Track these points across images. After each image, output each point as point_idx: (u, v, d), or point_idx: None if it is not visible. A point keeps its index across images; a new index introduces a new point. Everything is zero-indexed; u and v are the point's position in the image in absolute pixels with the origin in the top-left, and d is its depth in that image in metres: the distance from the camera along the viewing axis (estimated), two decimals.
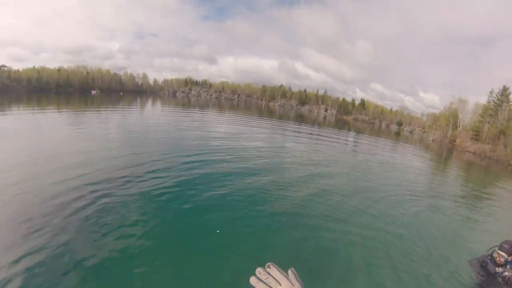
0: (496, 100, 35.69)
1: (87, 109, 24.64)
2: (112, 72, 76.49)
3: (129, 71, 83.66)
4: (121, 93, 63.73)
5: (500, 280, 4.19)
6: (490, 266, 4.34)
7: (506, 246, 4.23)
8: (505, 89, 34.91)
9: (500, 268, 4.24)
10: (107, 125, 16.05)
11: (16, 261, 3.67)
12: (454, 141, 39.05)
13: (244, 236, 5.08)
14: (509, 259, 4.18)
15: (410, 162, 18.19)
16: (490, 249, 4.58)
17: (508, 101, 34.23)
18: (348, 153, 17.57)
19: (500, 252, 4.23)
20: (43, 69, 61.93)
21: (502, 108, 34.18)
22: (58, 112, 21.57)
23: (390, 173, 12.48)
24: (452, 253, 5.29)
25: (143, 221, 5.03)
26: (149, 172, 7.47)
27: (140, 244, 4.35)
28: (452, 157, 27.82)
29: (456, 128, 42.17)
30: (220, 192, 6.86)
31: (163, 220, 5.22)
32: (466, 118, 42.39)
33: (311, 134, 24.98)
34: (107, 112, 23.95)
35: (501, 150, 29.36)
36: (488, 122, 35.10)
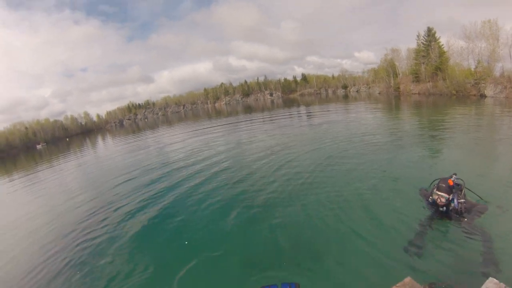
0: (424, 42, 38.68)
1: (38, 167, 22.71)
2: (51, 120, 71.23)
3: (69, 114, 78.08)
4: (67, 139, 59.24)
5: (452, 214, 4.19)
6: (435, 208, 4.36)
7: (444, 185, 4.13)
8: (429, 29, 37.98)
9: (444, 208, 4.21)
10: (63, 177, 15.19)
11: None
12: (398, 88, 42.07)
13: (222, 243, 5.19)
14: (450, 197, 4.13)
15: (365, 116, 19.42)
16: (432, 182, 4.80)
17: (435, 40, 37.22)
18: (305, 127, 18.24)
19: (439, 193, 4.15)
20: None
21: (432, 47, 36.96)
22: (9, 179, 19.64)
23: (350, 132, 13.29)
24: (409, 185, 5.83)
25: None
26: (121, 220, 7.11)
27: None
28: (401, 102, 30.05)
29: (396, 76, 45.33)
30: (192, 203, 7.08)
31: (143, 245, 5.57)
32: (403, 65, 45.57)
33: (264, 121, 25.54)
34: (60, 163, 22.30)
35: (442, 84, 32.20)
36: (423, 63, 38.11)
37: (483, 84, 25.79)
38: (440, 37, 37.11)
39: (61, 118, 73.91)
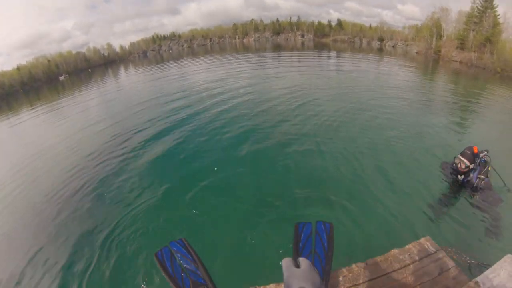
0: (480, 7, 34.11)
1: (61, 98, 23.53)
2: (74, 52, 70.89)
3: (91, 45, 76.38)
4: (90, 70, 59.78)
5: (468, 187, 4.16)
6: (454, 174, 4.30)
7: (468, 152, 4.03)
8: None
9: (462, 176, 4.14)
10: (87, 108, 15.65)
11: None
12: (439, 51, 38.35)
13: (246, 174, 5.44)
14: (471, 166, 4.02)
15: (398, 72, 18.40)
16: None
17: (492, 7, 32.83)
18: (333, 71, 17.67)
19: (461, 158, 4.05)
20: (2, 73, 57.10)
21: (487, 14, 32.81)
22: (33, 110, 20.62)
23: (379, 84, 12.80)
24: (430, 158, 5.74)
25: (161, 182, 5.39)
26: (144, 141, 7.74)
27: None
28: (438, 67, 27.94)
29: (440, 38, 41.07)
30: (220, 137, 7.23)
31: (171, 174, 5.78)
32: (450, 27, 40.94)
33: (292, 61, 24.86)
34: (82, 94, 22.88)
35: (488, 58, 28.95)
36: (473, 30, 34.08)
37: None
38: (498, 5, 32.51)
39: (83, 50, 73.49)
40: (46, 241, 4.36)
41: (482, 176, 4.04)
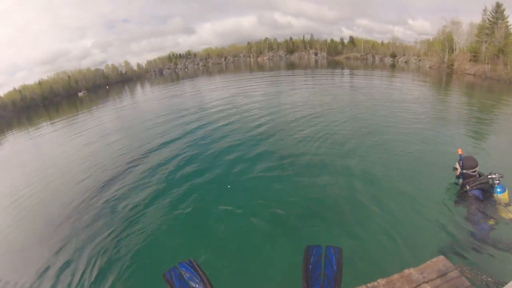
0: (491, 18, 33.77)
1: (79, 113, 24.49)
2: (93, 69, 74.21)
3: (109, 63, 79.87)
4: (107, 87, 62.13)
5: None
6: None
7: (463, 159, 4.25)
8: (498, 5, 32.84)
9: (458, 180, 4.36)
10: (103, 122, 16.20)
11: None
12: (452, 65, 37.74)
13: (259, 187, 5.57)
14: (459, 170, 4.27)
15: (411, 91, 18.32)
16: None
17: (503, 18, 32.49)
18: (347, 89, 17.62)
19: (458, 165, 4.30)
20: (24, 87, 60.32)
21: (498, 25, 32.47)
22: (51, 124, 21.59)
23: (393, 100, 12.70)
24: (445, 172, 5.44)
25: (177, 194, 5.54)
26: (155, 156, 7.93)
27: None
28: (452, 81, 27.62)
29: (452, 52, 40.57)
30: (233, 155, 7.26)
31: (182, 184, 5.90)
32: (462, 40, 40.59)
33: (306, 79, 25.08)
34: (98, 109, 23.70)
35: (502, 69, 28.37)
36: (485, 42, 33.57)
37: None
38: (509, 16, 32.13)
39: (102, 67, 76.59)
40: (49, 254, 4.40)
41: (467, 188, 4.14)
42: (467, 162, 4.25)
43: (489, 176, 4.06)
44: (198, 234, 4.42)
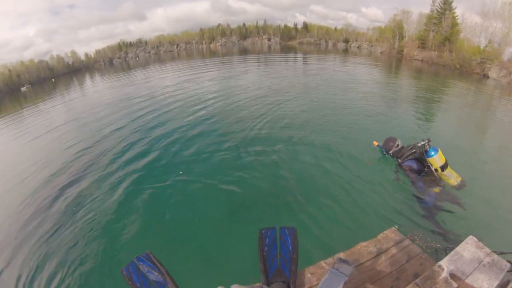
0: (439, 9, 36.44)
1: (23, 109, 22.06)
2: (36, 60, 66.12)
3: (55, 53, 72.07)
4: (53, 80, 56.53)
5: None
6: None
7: (383, 146, 5.09)
8: None
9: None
10: (50, 117, 14.95)
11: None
12: (402, 51, 40.61)
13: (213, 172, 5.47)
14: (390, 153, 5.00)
15: (363, 71, 19.32)
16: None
17: (450, 9, 35.13)
18: (299, 73, 18.04)
19: (384, 152, 5.17)
20: None
21: (446, 16, 35.06)
22: None
23: (345, 83, 13.34)
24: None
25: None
26: (107, 150, 7.33)
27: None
28: (401, 66, 29.81)
29: (402, 39, 43.43)
30: (188, 144, 7.00)
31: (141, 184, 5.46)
32: (411, 29, 43.40)
33: (259, 64, 25.28)
34: (46, 103, 21.60)
35: (447, 56, 31.15)
36: (433, 30, 36.33)
37: (488, 65, 25.17)
38: (456, 7, 35.09)
39: (46, 58, 68.74)
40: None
41: (399, 161, 4.72)
42: (386, 145, 4.85)
43: (419, 144, 4.38)
44: (153, 224, 4.39)
